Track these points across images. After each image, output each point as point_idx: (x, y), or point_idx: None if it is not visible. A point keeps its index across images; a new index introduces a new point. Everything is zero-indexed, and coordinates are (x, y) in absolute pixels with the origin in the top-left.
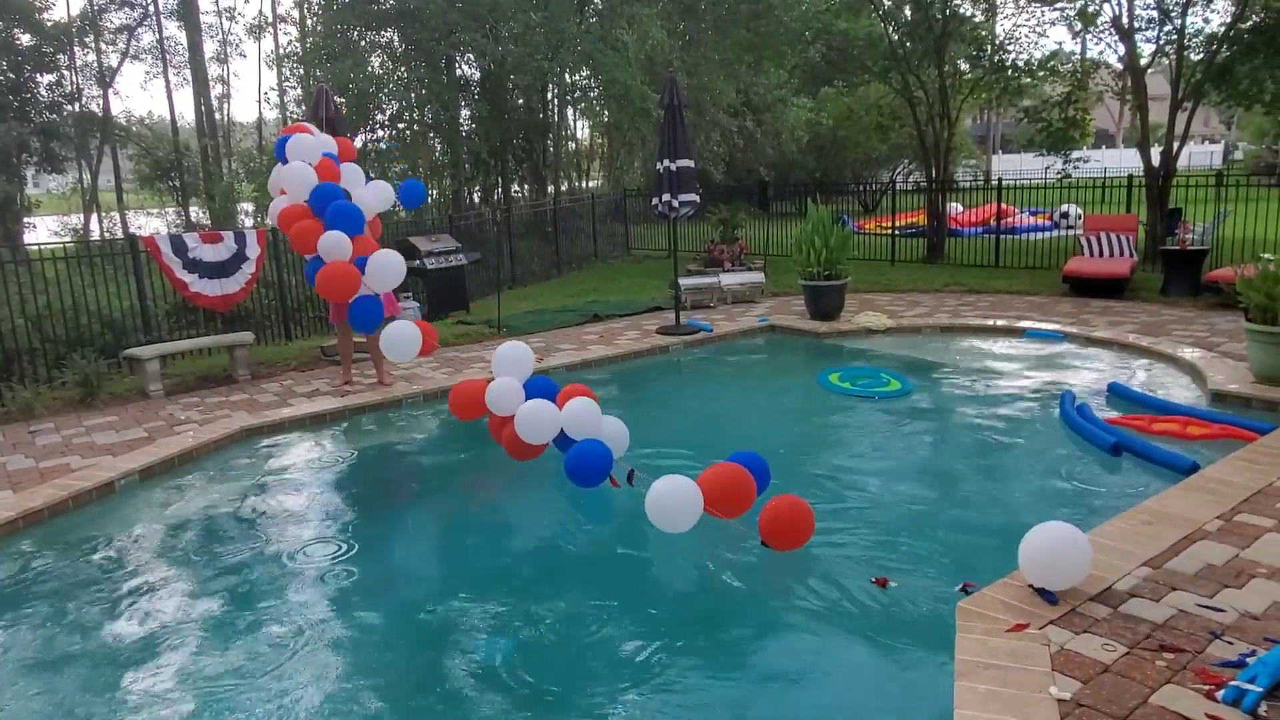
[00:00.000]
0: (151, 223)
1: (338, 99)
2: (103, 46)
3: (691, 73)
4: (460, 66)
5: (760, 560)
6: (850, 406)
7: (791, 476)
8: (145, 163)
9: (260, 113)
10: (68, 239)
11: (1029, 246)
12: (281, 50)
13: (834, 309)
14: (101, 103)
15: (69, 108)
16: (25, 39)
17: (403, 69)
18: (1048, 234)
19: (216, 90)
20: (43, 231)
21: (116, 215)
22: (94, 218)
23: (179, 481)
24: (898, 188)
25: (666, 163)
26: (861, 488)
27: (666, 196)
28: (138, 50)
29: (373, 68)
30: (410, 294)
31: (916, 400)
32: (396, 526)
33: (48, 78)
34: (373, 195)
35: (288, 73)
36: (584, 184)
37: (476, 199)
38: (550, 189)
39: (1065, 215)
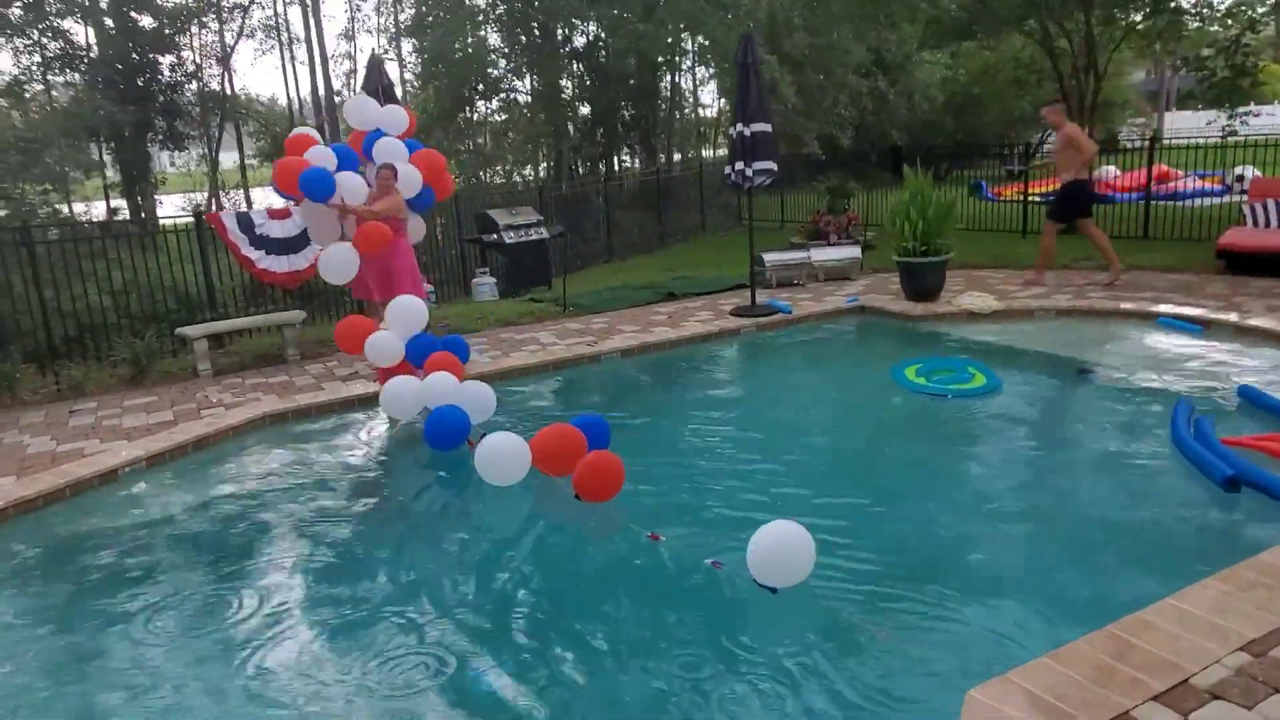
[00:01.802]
0: (275, 199)
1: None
2: (220, 26)
3: (817, 31)
4: (561, 31)
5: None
6: (924, 406)
7: (828, 494)
8: (266, 139)
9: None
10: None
11: (1185, 215)
12: (390, 24)
13: (932, 289)
14: (220, 81)
15: (190, 87)
16: (147, 21)
17: (503, 36)
18: (1218, 199)
19: (345, 66)
20: (170, 208)
21: (239, 193)
22: (218, 194)
23: (185, 469)
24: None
25: (740, 127)
26: (901, 516)
27: (739, 165)
28: (252, 29)
29: (482, 34)
30: (487, 269)
31: (1001, 402)
32: (391, 529)
33: (169, 58)
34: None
35: (393, 45)
36: (712, 152)
37: (581, 170)
38: (662, 158)
39: (1240, 178)
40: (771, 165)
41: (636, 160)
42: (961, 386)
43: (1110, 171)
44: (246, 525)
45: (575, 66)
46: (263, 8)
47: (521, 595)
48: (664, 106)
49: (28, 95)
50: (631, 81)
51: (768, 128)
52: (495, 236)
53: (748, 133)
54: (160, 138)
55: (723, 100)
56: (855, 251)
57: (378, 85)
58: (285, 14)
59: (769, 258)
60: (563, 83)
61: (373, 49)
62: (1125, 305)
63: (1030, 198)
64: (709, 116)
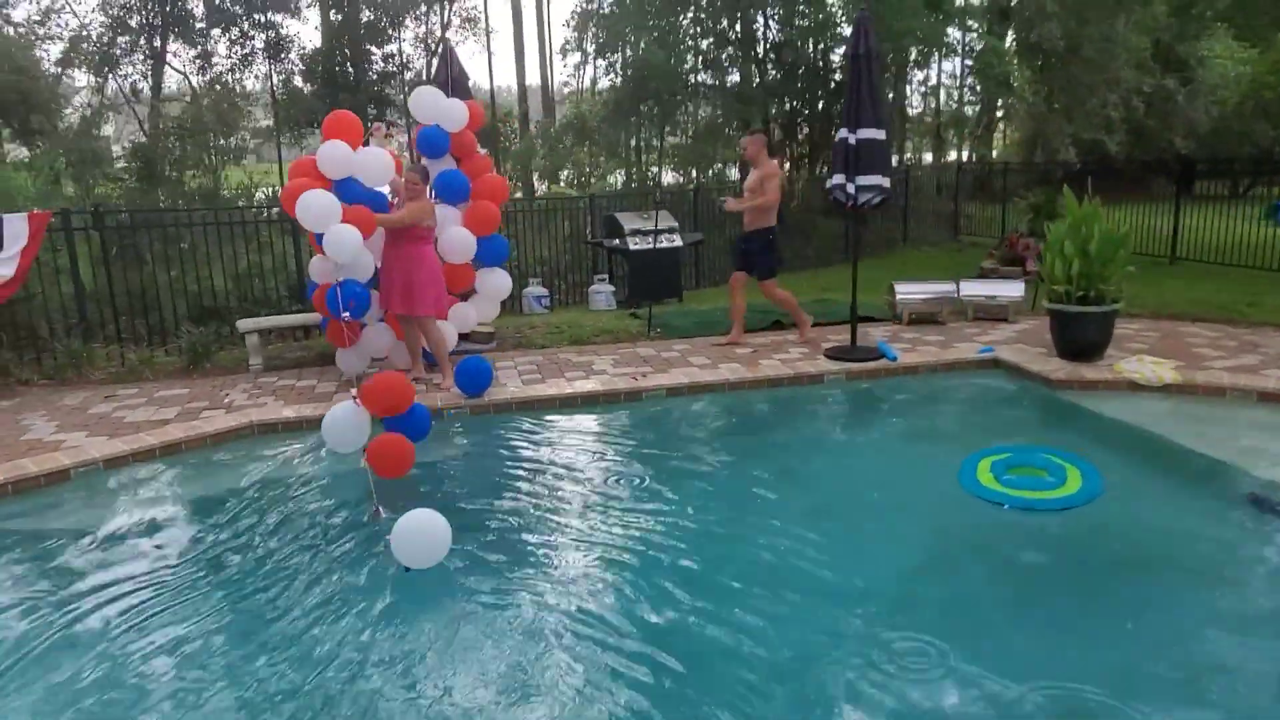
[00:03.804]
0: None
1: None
2: (429, 18)
3: (1084, 18)
4: (766, 21)
5: None
6: (977, 516)
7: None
8: None
9: (546, 77)
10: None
11: None
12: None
13: (1090, 346)
14: (426, 71)
15: (401, 76)
16: (366, 15)
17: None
18: None
19: (574, 58)
20: None
21: None
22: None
23: (138, 478)
24: None
25: (845, 132)
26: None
27: (840, 178)
28: (455, 20)
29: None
30: (605, 276)
31: (1095, 517)
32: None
33: (382, 49)
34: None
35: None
36: (943, 155)
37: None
38: None
39: None
40: (881, 181)
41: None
42: (1037, 495)
43: None
44: (151, 547)
45: (770, 58)
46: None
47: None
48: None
49: (236, 83)
50: (837, 77)
51: (880, 135)
52: (618, 242)
53: (853, 140)
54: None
55: (942, 95)
56: (1016, 289)
57: (447, 76)
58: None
59: (901, 289)
60: (754, 78)
61: (444, 38)
62: None
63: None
64: (920, 114)
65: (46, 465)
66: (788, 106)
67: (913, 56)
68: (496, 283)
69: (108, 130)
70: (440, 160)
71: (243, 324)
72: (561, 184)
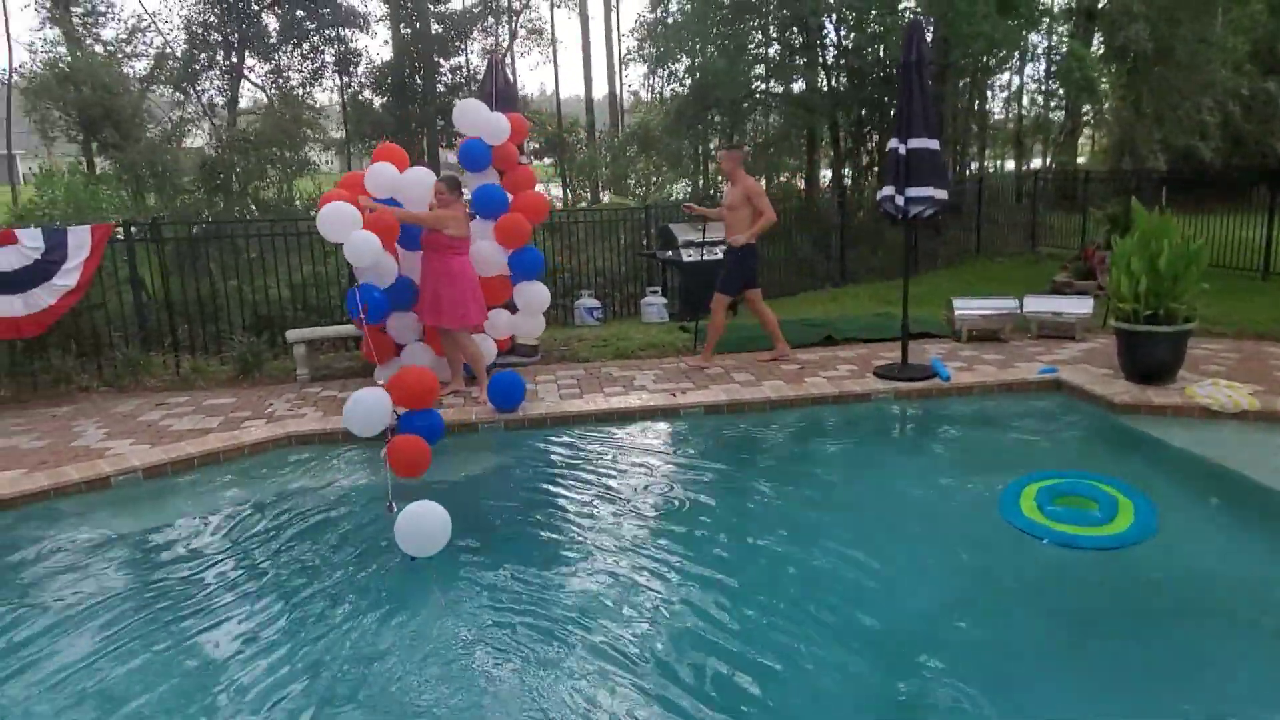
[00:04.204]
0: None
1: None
2: (499, 30)
3: (1177, 20)
4: (826, 28)
5: None
6: (1035, 555)
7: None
8: (541, 139)
9: (615, 86)
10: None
11: None
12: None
13: (1160, 368)
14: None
15: (468, 88)
16: (436, 28)
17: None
18: None
19: (640, 69)
20: None
21: None
22: None
23: (174, 486)
24: None
25: (896, 142)
26: None
27: (890, 190)
28: (522, 30)
29: (745, 30)
30: (658, 288)
31: (1148, 559)
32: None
33: (450, 61)
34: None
35: (640, 46)
36: (1026, 162)
37: (826, 180)
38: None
39: None
40: (933, 193)
41: None
42: (1081, 530)
43: None
44: (180, 559)
45: (840, 65)
46: (533, 10)
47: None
48: (950, 111)
49: (306, 97)
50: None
51: (933, 145)
52: (670, 254)
53: (903, 150)
54: (440, 136)
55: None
56: (1084, 305)
57: (492, 88)
58: (552, 18)
59: (960, 305)
60: (821, 84)
61: (492, 49)
62: None
63: None
64: (1003, 120)
65: (88, 473)
66: (856, 115)
67: (988, 61)
68: (534, 295)
69: (198, 142)
70: (483, 174)
71: (291, 334)
72: (628, 196)
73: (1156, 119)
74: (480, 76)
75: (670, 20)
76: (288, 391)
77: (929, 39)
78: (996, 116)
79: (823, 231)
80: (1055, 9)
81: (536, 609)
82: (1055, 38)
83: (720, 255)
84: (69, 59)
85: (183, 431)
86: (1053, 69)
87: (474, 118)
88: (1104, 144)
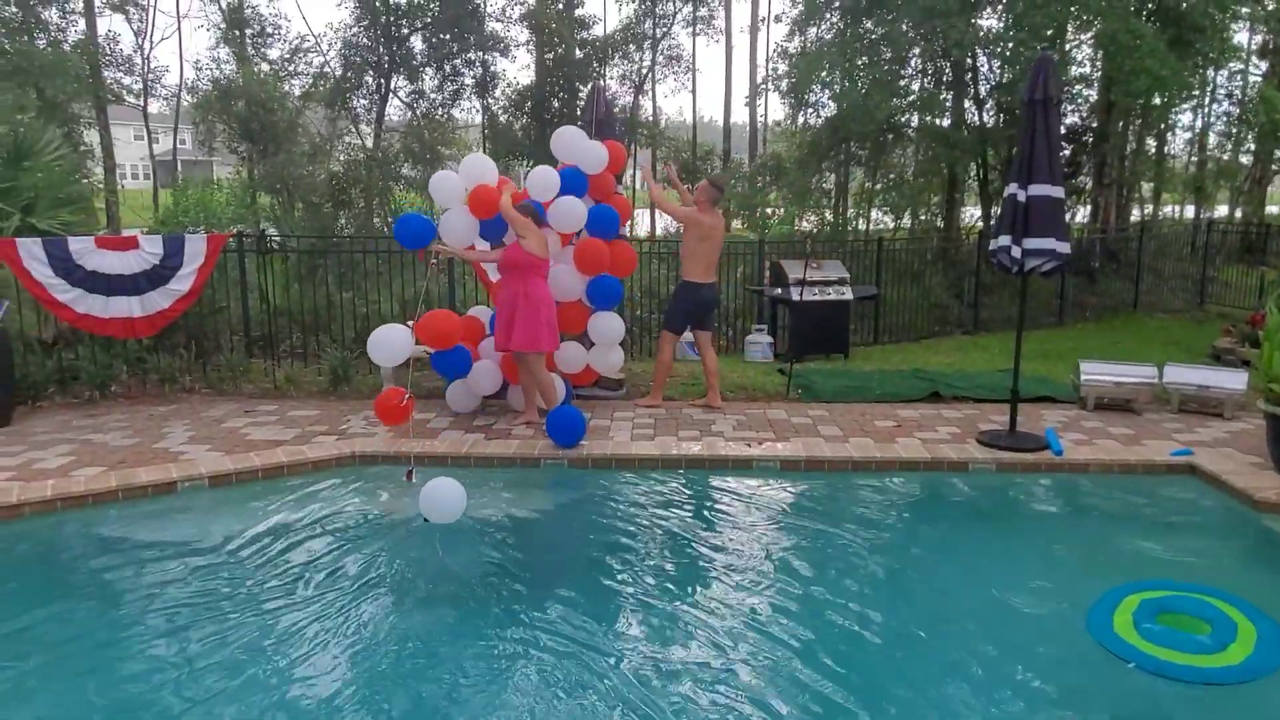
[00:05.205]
0: None
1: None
2: (636, 56)
3: None
4: (980, 59)
5: None
6: (1130, 683)
7: None
8: (673, 161)
9: (753, 114)
10: None
11: None
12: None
13: None
14: (632, 107)
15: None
16: (578, 54)
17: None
18: None
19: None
20: None
21: (644, 211)
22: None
23: (235, 497)
24: None
25: (1015, 187)
26: None
27: (1006, 240)
28: (661, 57)
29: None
30: (764, 326)
31: (1263, 700)
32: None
33: (589, 85)
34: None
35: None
36: (1209, 210)
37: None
38: (1098, 214)
39: None
40: (1055, 245)
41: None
42: (1182, 658)
43: None
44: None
45: (992, 99)
46: (673, 37)
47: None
48: (1103, 153)
49: (445, 117)
50: (1067, 120)
51: (1056, 192)
52: (779, 291)
53: (1023, 197)
54: None
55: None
56: (1238, 379)
57: (592, 116)
58: (694, 45)
59: (1088, 369)
60: (972, 119)
61: (596, 76)
62: None
63: None
64: (1184, 165)
65: (156, 476)
66: (1005, 153)
67: (1160, 100)
68: (607, 327)
69: (345, 158)
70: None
71: None
72: (758, 227)
73: None
74: (617, 100)
75: (809, 49)
76: (368, 408)
77: (1100, 72)
78: (1176, 158)
79: (958, 275)
80: (1249, 45)
81: (580, 655)
82: (1242, 77)
83: (831, 295)
84: (234, 76)
85: (257, 441)
86: (1240, 110)
87: (571, 146)
88: None
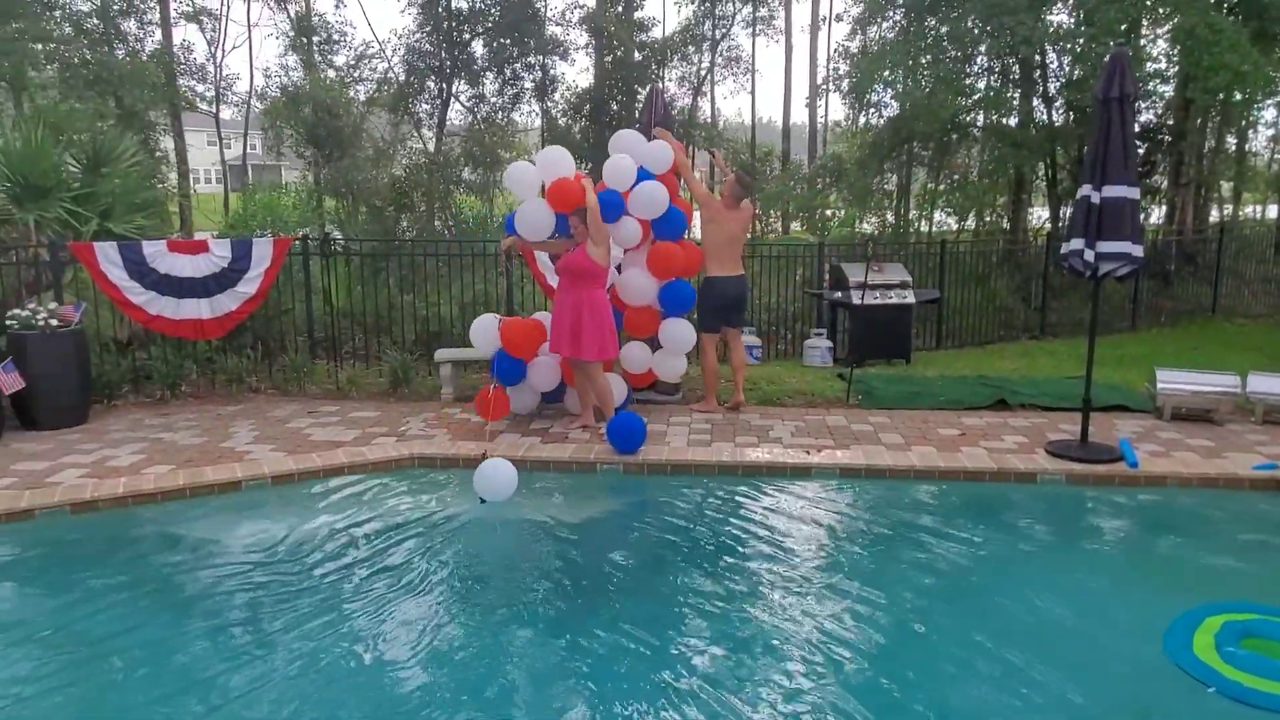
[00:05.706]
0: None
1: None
2: (695, 58)
3: None
4: (1050, 56)
5: None
6: (1205, 707)
7: None
8: (732, 164)
9: (813, 115)
10: None
11: None
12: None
13: None
14: (690, 109)
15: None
16: (637, 56)
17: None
18: None
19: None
20: None
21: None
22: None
23: (297, 496)
24: None
25: (1088, 189)
26: None
27: (1079, 243)
28: (720, 60)
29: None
30: (823, 330)
31: None
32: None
33: (647, 88)
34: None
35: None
36: (1254, 210)
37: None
38: (1181, 215)
39: None
40: (1130, 249)
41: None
42: (1269, 686)
43: None
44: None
45: (1062, 97)
46: (732, 38)
47: None
48: (1180, 151)
49: (504, 120)
50: (1141, 118)
51: (1132, 194)
52: (839, 295)
53: (1096, 199)
54: None
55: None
56: None
57: (649, 119)
58: (753, 46)
59: (1164, 377)
60: (1041, 118)
61: (655, 79)
62: None
63: None
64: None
65: (222, 475)
66: (1076, 152)
67: (1242, 96)
68: (677, 335)
69: (408, 162)
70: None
71: (439, 354)
72: (818, 229)
73: None
74: (676, 102)
75: (871, 48)
76: (429, 410)
77: (1177, 68)
78: (1259, 156)
79: (1025, 278)
80: None
81: (636, 665)
82: None
83: (893, 299)
84: (302, 83)
85: (319, 442)
86: None
87: (631, 149)
88: None
